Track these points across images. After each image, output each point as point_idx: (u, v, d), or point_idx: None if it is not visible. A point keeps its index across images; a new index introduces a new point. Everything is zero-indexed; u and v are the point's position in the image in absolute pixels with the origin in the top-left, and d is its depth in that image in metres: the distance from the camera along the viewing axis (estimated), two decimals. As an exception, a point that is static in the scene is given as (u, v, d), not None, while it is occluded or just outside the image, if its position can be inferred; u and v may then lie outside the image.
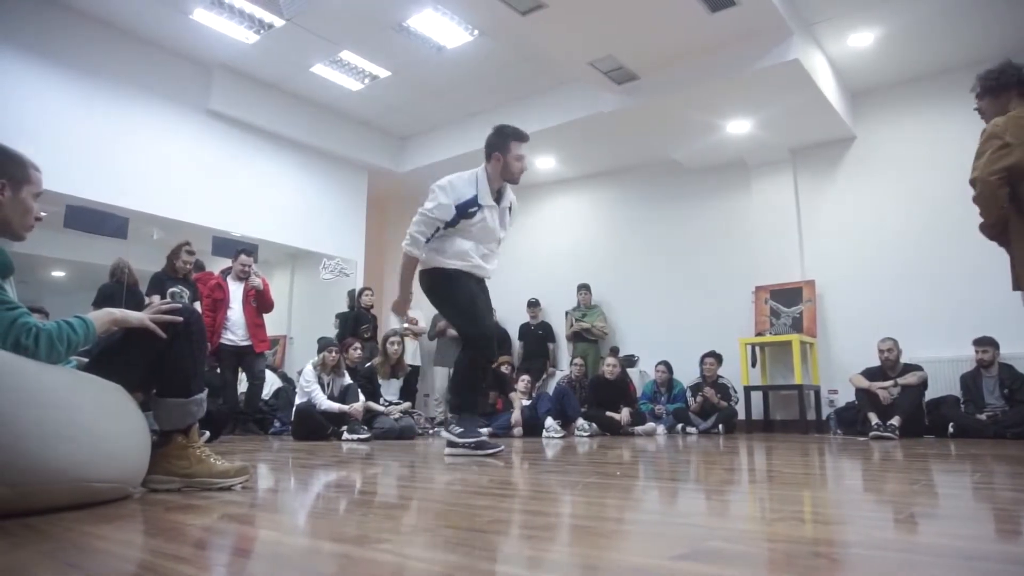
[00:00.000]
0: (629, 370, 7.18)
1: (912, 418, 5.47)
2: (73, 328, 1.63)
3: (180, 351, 1.88)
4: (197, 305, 5.52)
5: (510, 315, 8.53)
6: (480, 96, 7.62)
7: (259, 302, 5.91)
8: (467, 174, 3.53)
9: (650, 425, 6.32)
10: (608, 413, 6.19)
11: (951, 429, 5.41)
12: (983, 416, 5.34)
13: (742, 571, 1.01)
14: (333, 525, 1.51)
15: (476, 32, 6.34)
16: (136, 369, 1.84)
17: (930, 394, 5.73)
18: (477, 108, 7.91)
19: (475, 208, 3.47)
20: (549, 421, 5.79)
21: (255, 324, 5.81)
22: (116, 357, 1.81)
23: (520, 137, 3.60)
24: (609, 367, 6.46)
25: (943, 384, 5.78)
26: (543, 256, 8.88)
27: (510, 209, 3.74)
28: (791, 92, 6.07)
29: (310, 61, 6.98)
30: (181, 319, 1.86)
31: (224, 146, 7.26)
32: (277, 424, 6.10)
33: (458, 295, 3.52)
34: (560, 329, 8.21)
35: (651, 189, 8.30)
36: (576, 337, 7.82)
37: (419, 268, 3.57)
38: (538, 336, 8.19)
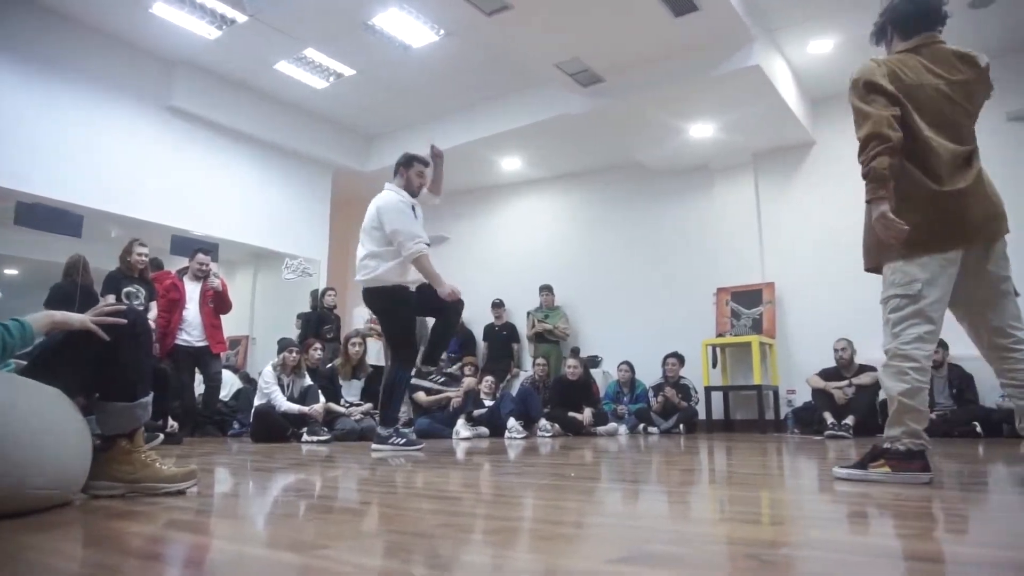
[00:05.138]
0: (593, 370, 7.22)
1: (866, 417, 5.60)
2: (8, 330, 1.59)
3: (125, 354, 1.83)
4: (153, 305, 5.40)
5: (474, 316, 8.50)
6: (447, 96, 7.60)
7: (217, 303, 5.81)
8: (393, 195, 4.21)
9: (612, 425, 6.36)
10: (571, 413, 6.22)
11: (903, 428, 5.54)
12: (933, 415, 5.45)
13: (673, 574, 1.02)
14: (277, 531, 1.49)
15: (442, 32, 6.32)
16: (78, 372, 1.79)
17: (884, 394, 5.86)
18: (444, 108, 7.88)
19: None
20: (511, 422, 5.79)
21: (212, 325, 5.70)
22: (57, 360, 1.77)
23: (423, 161, 4.32)
24: (570, 368, 6.50)
25: (896, 384, 5.90)
26: (508, 257, 8.89)
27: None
28: (753, 97, 6.17)
29: (274, 58, 6.88)
30: (125, 321, 1.82)
31: (185, 143, 7.12)
32: (236, 426, 6.00)
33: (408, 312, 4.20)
34: (525, 330, 8.21)
35: (616, 191, 8.37)
36: (538, 338, 7.84)
37: (375, 285, 4.04)
38: (503, 337, 8.19)
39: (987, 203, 2.21)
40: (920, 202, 2.21)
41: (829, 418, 5.59)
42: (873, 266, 2.39)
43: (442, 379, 4.23)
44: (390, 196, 4.16)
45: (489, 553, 1.21)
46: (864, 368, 5.90)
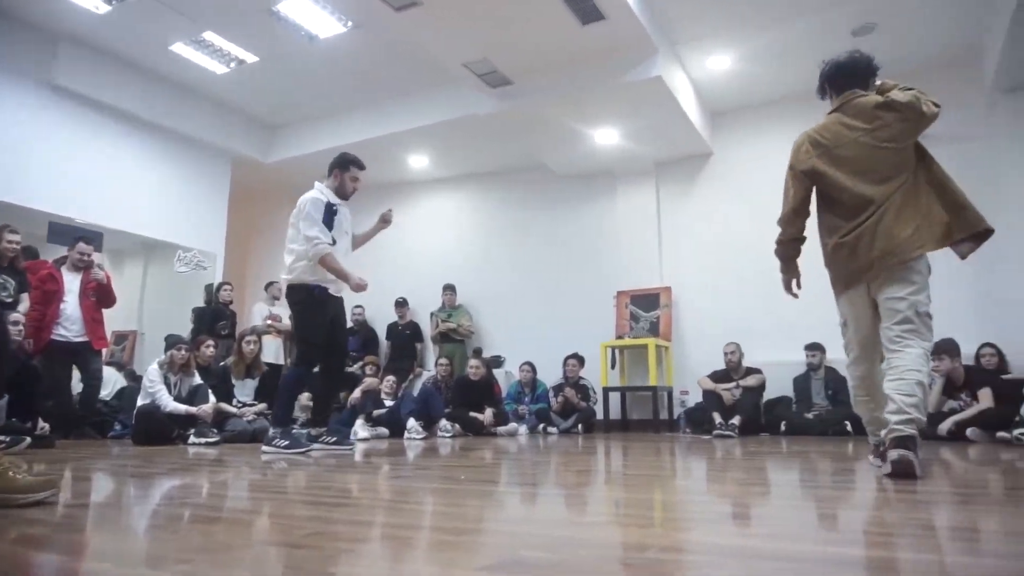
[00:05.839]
0: (496, 371, 7.26)
1: (751, 417, 5.90)
2: None
3: (-25, 354, 1.70)
4: (25, 297, 5.01)
5: (378, 314, 8.41)
6: (355, 89, 7.44)
7: (100, 296, 5.45)
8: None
9: (512, 425, 6.42)
10: (471, 414, 6.23)
11: (783, 427, 5.88)
12: (810, 415, 5.85)
13: (538, 582, 1.04)
14: (140, 544, 1.42)
15: (350, 24, 6.19)
16: (-81, 374, 1.64)
17: (768, 395, 6.21)
18: (352, 101, 7.72)
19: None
20: (411, 422, 5.75)
21: (93, 319, 5.34)
22: None
23: (359, 165, 4.28)
24: (472, 368, 6.51)
25: (779, 385, 6.26)
26: (414, 255, 8.81)
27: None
28: (655, 107, 6.37)
29: (169, 39, 6.54)
30: (-24, 319, 1.69)
31: (68, 124, 6.66)
32: (118, 427, 5.66)
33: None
34: (428, 329, 8.17)
35: (522, 193, 8.45)
36: (443, 338, 7.82)
37: (293, 282, 4.04)
38: (406, 336, 8.11)
39: (879, 242, 2.58)
40: (827, 250, 2.79)
41: (717, 418, 5.85)
42: None
43: (333, 439, 4.09)
44: (308, 195, 4.12)
45: (357, 564, 1.19)
46: (751, 371, 6.22)
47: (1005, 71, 5.57)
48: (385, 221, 4.42)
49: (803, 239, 2.89)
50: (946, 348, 4.93)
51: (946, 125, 5.96)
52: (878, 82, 2.82)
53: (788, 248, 2.92)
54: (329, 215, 4.05)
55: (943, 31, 5.92)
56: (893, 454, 2.33)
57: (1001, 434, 4.48)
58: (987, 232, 2.57)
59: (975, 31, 5.86)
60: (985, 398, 4.81)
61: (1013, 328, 5.65)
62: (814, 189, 2.81)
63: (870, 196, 2.62)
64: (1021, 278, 5.63)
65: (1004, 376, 5.12)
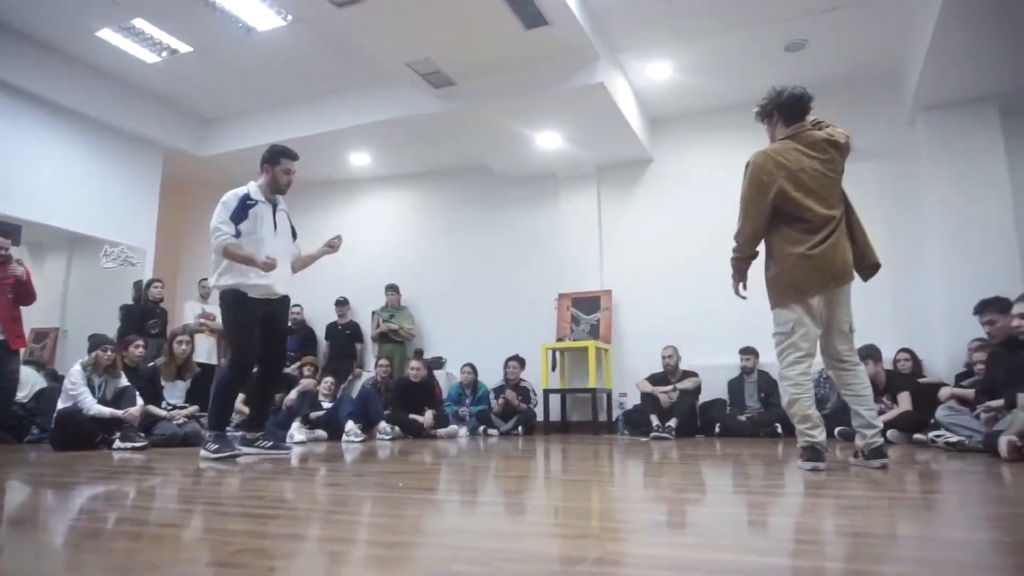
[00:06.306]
0: (437, 372, 7.23)
1: (687, 419, 6.04)
2: None
3: None
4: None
5: (317, 314, 8.25)
6: (295, 84, 7.28)
7: (18, 293, 5.17)
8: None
9: (453, 428, 6.39)
10: (412, 416, 6.18)
11: (718, 429, 6.04)
12: (743, 417, 6.02)
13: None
14: (53, 563, 1.35)
15: (289, 17, 6.04)
16: None
17: (703, 397, 6.36)
18: (291, 96, 7.54)
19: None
20: (349, 424, 5.66)
21: (11, 318, 5.05)
22: None
23: (289, 155, 4.13)
24: (414, 370, 6.46)
25: (714, 388, 6.42)
26: (354, 254, 8.61)
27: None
28: (596, 112, 6.44)
29: (95, 24, 6.24)
30: None
31: (-18, 109, 6.31)
32: (36, 431, 5.38)
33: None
34: (369, 329, 8.06)
35: (465, 194, 8.43)
36: (382, 338, 7.73)
37: (219, 287, 3.97)
38: (346, 336, 7.99)
39: (839, 260, 2.98)
40: (789, 260, 3.01)
41: (655, 420, 5.96)
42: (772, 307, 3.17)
43: (270, 444, 4.05)
44: (228, 192, 4.00)
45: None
46: (687, 374, 6.36)
47: (924, 89, 5.85)
48: (331, 247, 4.35)
49: (756, 255, 3.22)
50: (869, 353, 5.14)
51: (869, 141, 6.32)
52: None
53: (745, 263, 3.25)
54: (243, 208, 3.91)
55: (868, 49, 6.17)
56: (875, 463, 2.93)
57: (917, 436, 4.70)
58: (875, 266, 3.10)
59: (898, 50, 6.13)
60: (904, 401, 5.04)
61: (928, 334, 5.96)
62: (771, 207, 3.07)
63: (828, 216, 2.99)
64: (935, 288, 5.93)
65: (921, 380, 5.39)
